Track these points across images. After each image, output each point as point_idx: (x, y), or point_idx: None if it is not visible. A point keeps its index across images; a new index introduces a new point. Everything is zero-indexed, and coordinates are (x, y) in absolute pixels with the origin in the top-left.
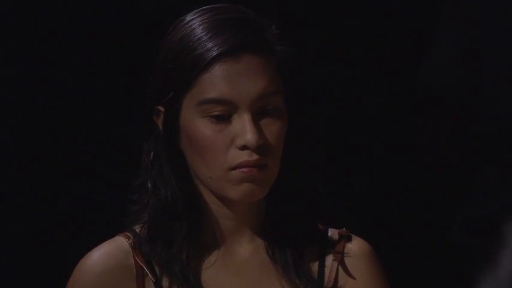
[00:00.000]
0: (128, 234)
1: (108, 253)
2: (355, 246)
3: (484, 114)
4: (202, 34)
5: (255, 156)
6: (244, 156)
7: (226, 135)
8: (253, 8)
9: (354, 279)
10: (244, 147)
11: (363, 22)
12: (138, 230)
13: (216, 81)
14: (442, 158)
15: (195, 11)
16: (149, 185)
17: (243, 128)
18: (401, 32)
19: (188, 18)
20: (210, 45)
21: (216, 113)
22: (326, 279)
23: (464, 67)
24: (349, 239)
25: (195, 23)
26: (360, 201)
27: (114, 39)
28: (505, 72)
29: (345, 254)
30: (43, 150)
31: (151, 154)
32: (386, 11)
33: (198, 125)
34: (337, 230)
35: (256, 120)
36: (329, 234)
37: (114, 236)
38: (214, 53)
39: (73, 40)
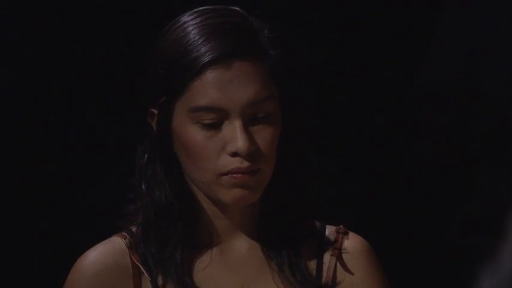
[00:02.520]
0: (125, 234)
1: (104, 253)
2: (353, 242)
3: (484, 114)
4: (194, 40)
5: (246, 163)
6: (236, 163)
7: (217, 141)
8: (248, 8)
9: (352, 275)
10: (235, 154)
11: (362, 22)
12: (134, 230)
13: (207, 88)
14: (442, 158)
15: (188, 13)
16: (143, 187)
17: (234, 135)
18: (401, 32)
19: (182, 20)
20: (201, 51)
21: (207, 121)
22: (324, 275)
23: (464, 67)
24: (346, 236)
25: (187, 26)
26: (360, 201)
27: (112, 38)
28: (505, 72)
29: (342, 251)
30: (41, 150)
31: (146, 156)
32: (386, 11)
33: (189, 131)
34: (335, 227)
35: (247, 127)
36: (326, 231)
37: (110, 236)
38: (205, 60)
39: (71, 40)
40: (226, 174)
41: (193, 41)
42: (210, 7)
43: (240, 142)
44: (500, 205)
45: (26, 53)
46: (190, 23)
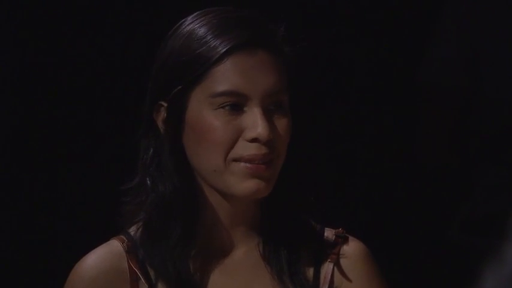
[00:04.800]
0: (123, 237)
1: (102, 257)
2: (351, 247)
3: (484, 114)
4: (215, 28)
5: (263, 150)
6: (253, 150)
7: (236, 127)
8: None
9: (350, 281)
10: (254, 140)
11: (362, 22)
12: (132, 232)
13: (230, 74)
14: (442, 158)
15: (202, 10)
16: (148, 182)
17: (255, 121)
18: (401, 32)
19: (198, 14)
20: (223, 38)
21: (228, 107)
22: (321, 280)
23: (464, 67)
24: (345, 240)
25: (205, 19)
26: (360, 201)
27: (111, 38)
28: (505, 72)
29: (340, 255)
30: (39, 150)
31: (151, 150)
32: (386, 11)
33: (208, 117)
34: (334, 230)
35: (267, 115)
36: (325, 234)
37: (108, 239)
38: (229, 46)
39: (70, 39)
40: (239, 160)
41: (214, 29)
42: (225, 7)
43: (260, 128)
44: (500, 205)
45: (26, 52)
46: (207, 16)
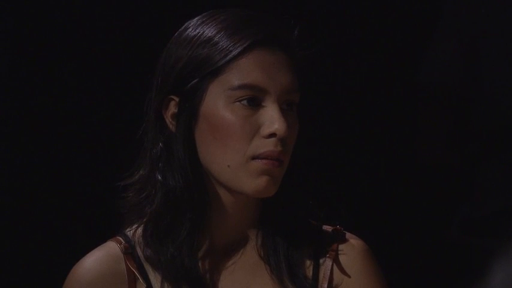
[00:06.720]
0: (119, 239)
1: (99, 260)
2: (350, 244)
3: (484, 114)
4: (234, 24)
5: (279, 147)
6: (270, 146)
7: (253, 122)
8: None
9: (349, 277)
10: (271, 136)
11: (362, 22)
12: (129, 233)
13: (251, 68)
14: (442, 158)
15: (211, 11)
16: (159, 177)
17: (272, 116)
18: (401, 32)
19: (208, 14)
20: (244, 33)
21: (246, 101)
22: (321, 278)
23: (464, 67)
24: (343, 237)
25: (219, 17)
26: (360, 201)
27: (108, 38)
28: (505, 71)
29: (339, 252)
30: (36, 150)
31: (159, 146)
32: (386, 10)
33: (225, 111)
34: (331, 228)
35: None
36: (323, 232)
37: (105, 241)
38: (250, 41)
39: (67, 38)
40: (257, 157)
41: (234, 24)
42: (233, 8)
43: (278, 123)
44: (500, 205)
45: (25, 51)
46: (223, 14)
